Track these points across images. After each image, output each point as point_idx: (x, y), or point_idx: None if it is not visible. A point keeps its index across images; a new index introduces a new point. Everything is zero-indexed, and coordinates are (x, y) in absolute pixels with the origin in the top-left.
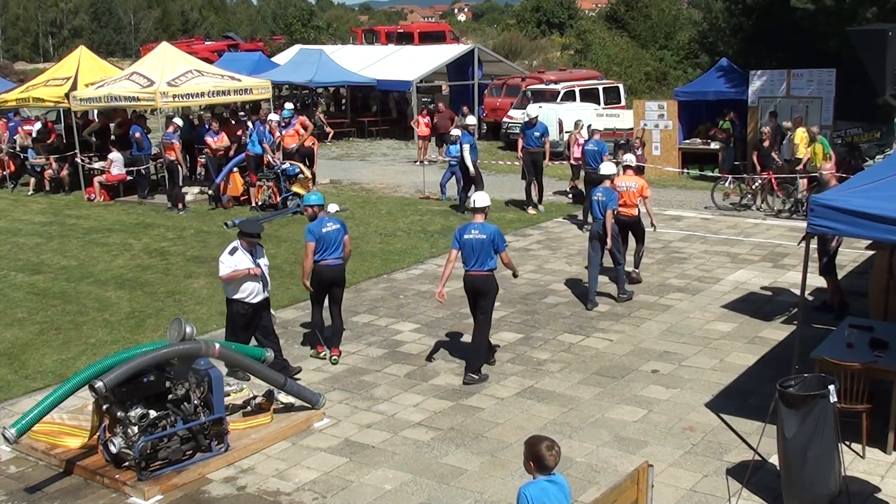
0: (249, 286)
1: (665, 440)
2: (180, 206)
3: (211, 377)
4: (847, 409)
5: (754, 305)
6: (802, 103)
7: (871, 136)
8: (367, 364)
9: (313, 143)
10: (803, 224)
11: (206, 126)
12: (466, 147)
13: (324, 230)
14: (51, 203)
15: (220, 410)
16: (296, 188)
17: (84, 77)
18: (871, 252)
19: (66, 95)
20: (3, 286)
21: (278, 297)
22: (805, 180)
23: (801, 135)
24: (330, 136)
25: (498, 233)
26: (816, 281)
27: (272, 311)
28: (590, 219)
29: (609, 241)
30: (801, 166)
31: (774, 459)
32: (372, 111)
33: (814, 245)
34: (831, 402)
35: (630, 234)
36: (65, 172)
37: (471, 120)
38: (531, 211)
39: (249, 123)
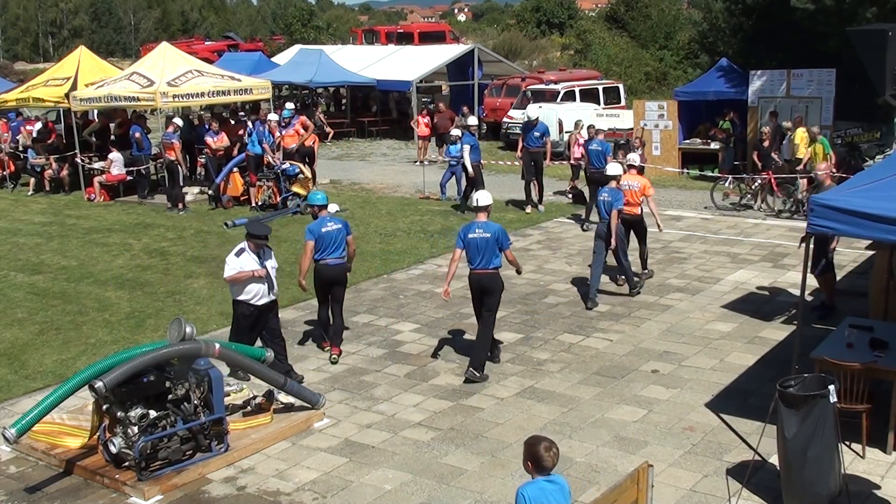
0: (254, 288)
1: (665, 440)
2: (180, 206)
3: (211, 377)
4: (847, 409)
5: (754, 305)
6: (802, 103)
7: (871, 136)
8: (367, 364)
9: (314, 142)
10: (803, 224)
11: (206, 126)
12: (467, 148)
13: (323, 230)
14: (51, 203)
15: (220, 410)
16: (296, 188)
17: (84, 77)
18: (871, 252)
19: (66, 95)
20: (3, 286)
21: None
22: (805, 180)
23: (801, 135)
24: (330, 136)
25: (502, 231)
26: (816, 281)
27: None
28: (592, 217)
29: (613, 240)
30: (801, 166)
31: (774, 459)
32: (372, 111)
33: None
34: (831, 402)
35: (633, 233)
36: (65, 172)
37: (472, 121)
38: (528, 210)
39: (249, 123)
